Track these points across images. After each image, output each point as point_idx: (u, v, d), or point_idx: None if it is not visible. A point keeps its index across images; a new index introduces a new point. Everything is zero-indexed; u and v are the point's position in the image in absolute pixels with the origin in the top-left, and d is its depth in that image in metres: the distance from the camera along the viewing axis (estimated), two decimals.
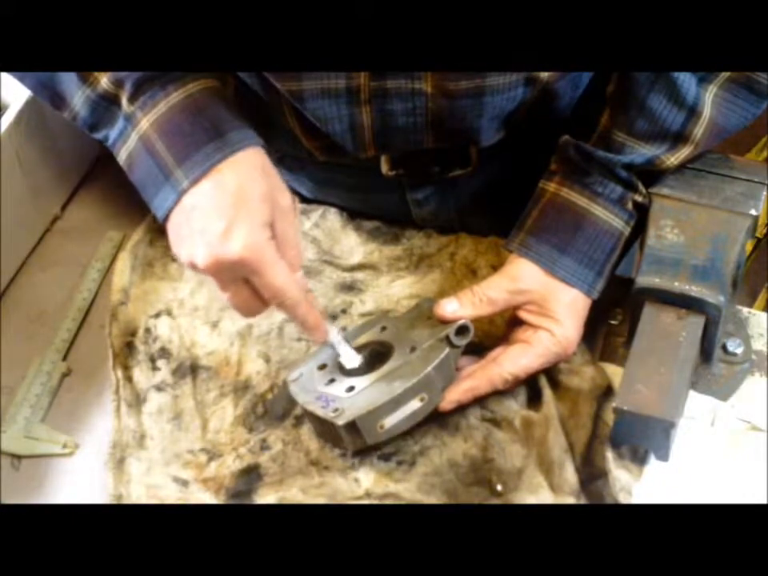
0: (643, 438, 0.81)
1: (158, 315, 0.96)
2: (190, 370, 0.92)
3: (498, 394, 0.86)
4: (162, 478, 0.84)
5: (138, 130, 0.80)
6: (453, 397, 0.83)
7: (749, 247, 0.94)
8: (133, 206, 1.08)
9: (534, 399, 0.87)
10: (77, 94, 0.82)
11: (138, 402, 0.90)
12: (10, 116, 0.98)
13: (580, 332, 0.86)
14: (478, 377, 0.84)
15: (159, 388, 0.90)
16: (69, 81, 0.82)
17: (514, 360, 0.84)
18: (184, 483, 0.84)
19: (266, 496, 0.82)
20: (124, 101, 0.80)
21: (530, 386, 0.88)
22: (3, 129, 0.97)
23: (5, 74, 1.05)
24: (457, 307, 0.84)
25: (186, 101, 0.79)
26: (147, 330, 0.95)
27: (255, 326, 0.94)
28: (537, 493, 0.80)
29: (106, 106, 0.81)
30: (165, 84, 0.79)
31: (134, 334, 0.95)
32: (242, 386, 0.90)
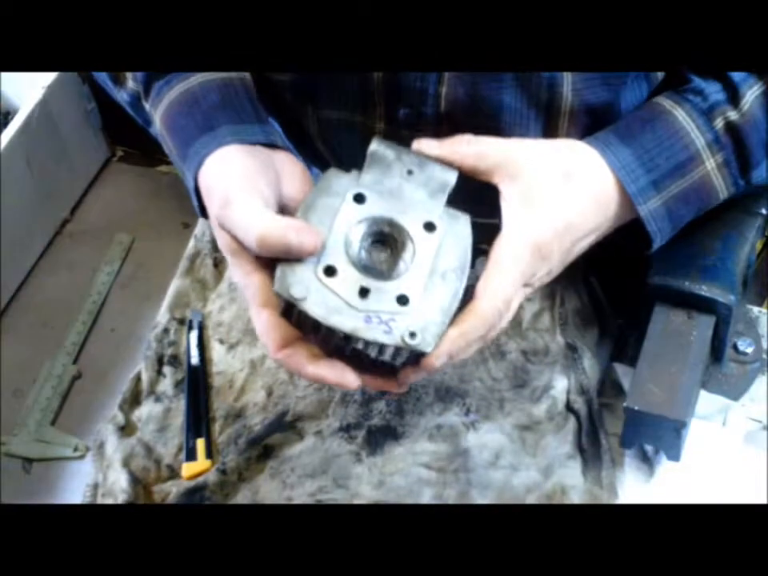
0: (654, 437, 0.81)
1: (182, 322, 0.95)
2: None
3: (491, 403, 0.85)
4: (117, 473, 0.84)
5: (158, 127, 0.79)
6: (445, 349, 0.66)
7: (759, 246, 0.94)
8: (142, 208, 1.09)
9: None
10: (118, 95, 0.83)
11: (135, 401, 0.90)
12: (19, 120, 0.99)
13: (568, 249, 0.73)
14: (470, 320, 0.67)
15: (157, 398, 0.90)
16: (108, 82, 0.83)
17: (495, 285, 0.69)
18: (135, 481, 0.83)
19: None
20: (143, 99, 0.80)
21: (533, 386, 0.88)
22: (13, 133, 0.98)
23: (15, 79, 1.05)
24: (436, 145, 0.72)
25: (184, 95, 0.77)
26: (166, 331, 0.94)
27: (269, 357, 0.91)
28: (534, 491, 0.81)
29: (138, 105, 0.82)
30: (170, 79, 0.78)
31: (154, 326, 0.94)
32: (234, 413, 0.89)
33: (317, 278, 0.65)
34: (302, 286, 0.64)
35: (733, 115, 0.76)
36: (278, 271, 0.65)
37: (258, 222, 0.66)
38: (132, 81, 0.81)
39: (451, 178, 0.71)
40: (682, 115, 0.76)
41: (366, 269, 0.67)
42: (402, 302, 0.66)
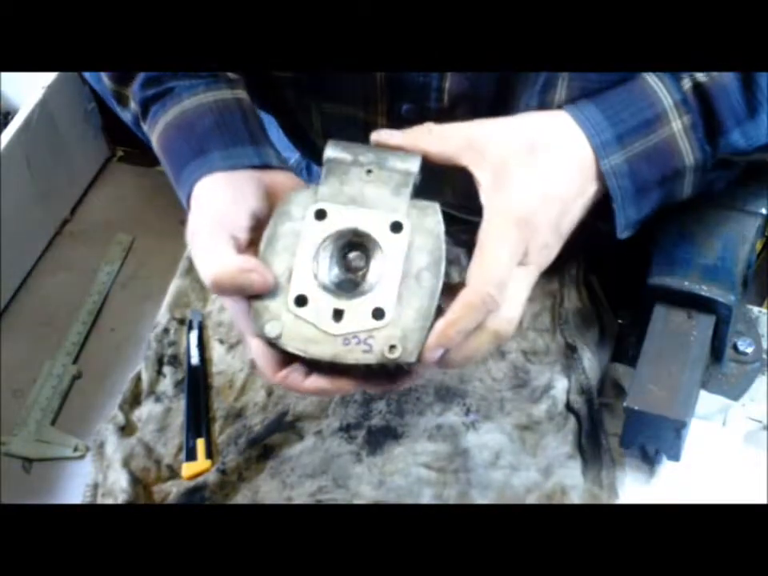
0: (654, 437, 0.81)
1: (182, 322, 0.95)
2: None
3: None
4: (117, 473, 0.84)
5: (155, 148, 0.79)
6: (433, 342, 0.64)
7: (759, 246, 0.94)
8: (142, 208, 1.09)
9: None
10: (123, 115, 0.84)
11: (135, 401, 0.90)
12: (19, 120, 0.99)
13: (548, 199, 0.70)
14: (458, 309, 0.64)
15: (157, 398, 0.90)
16: (113, 103, 0.84)
17: (481, 270, 0.66)
18: (135, 481, 0.83)
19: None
20: (141, 121, 0.81)
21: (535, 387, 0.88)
22: (13, 133, 0.98)
23: (15, 79, 1.05)
24: (398, 134, 0.70)
25: (179, 118, 0.77)
26: (166, 331, 0.94)
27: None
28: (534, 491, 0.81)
29: (139, 125, 0.82)
30: (165, 101, 0.78)
31: (154, 326, 0.94)
32: (234, 413, 0.89)
33: (289, 310, 0.64)
34: (276, 323, 0.63)
35: (701, 77, 0.75)
36: (252, 311, 0.64)
37: (212, 265, 0.66)
38: (133, 102, 0.81)
39: (413, 165, 0.67)
40: (650, 76, 0.75)
41: (338, 289, 0.65)
42: (377, 316, 0.64)
